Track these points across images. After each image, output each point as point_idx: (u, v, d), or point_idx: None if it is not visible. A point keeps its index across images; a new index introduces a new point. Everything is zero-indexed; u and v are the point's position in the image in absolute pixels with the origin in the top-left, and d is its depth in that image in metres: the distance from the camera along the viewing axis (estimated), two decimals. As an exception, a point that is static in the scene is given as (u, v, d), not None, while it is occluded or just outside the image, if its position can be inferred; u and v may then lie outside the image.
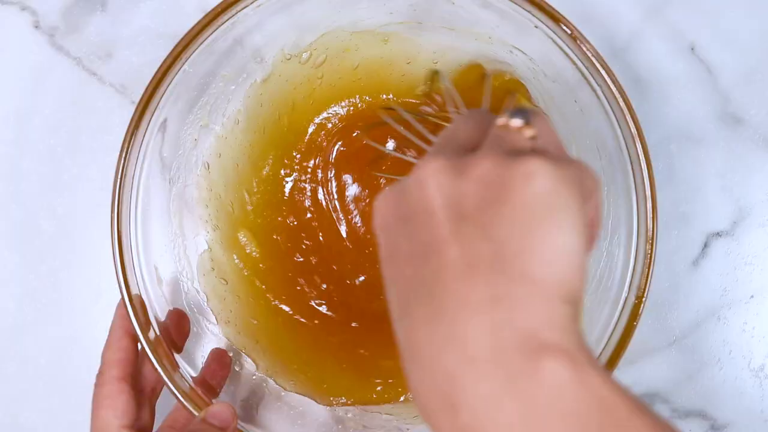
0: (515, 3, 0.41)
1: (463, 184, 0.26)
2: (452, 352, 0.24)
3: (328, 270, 0.50)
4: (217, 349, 0.47)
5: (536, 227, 0.25)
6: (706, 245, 0.51)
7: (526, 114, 0.28)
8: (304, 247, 0.50)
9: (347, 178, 0.50)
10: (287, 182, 0.50)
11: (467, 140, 0.29)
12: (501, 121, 0.28)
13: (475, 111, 0.31)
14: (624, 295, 0.42)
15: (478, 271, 0.25)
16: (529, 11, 0.41)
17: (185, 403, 0.41)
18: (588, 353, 0.24)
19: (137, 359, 0.43)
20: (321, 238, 0.50)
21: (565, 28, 0.41)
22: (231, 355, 0.47)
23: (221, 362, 0.46)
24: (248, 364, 0.48)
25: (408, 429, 0.46)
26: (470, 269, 0.25)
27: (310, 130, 0.50)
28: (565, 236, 0.25)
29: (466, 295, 0.24)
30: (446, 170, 0.26)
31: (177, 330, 0.45)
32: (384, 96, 0.49)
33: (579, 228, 0.25)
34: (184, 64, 0.42)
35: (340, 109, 0.50)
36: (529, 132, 0.28)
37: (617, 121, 0.41)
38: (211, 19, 0.42)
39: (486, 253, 0.25)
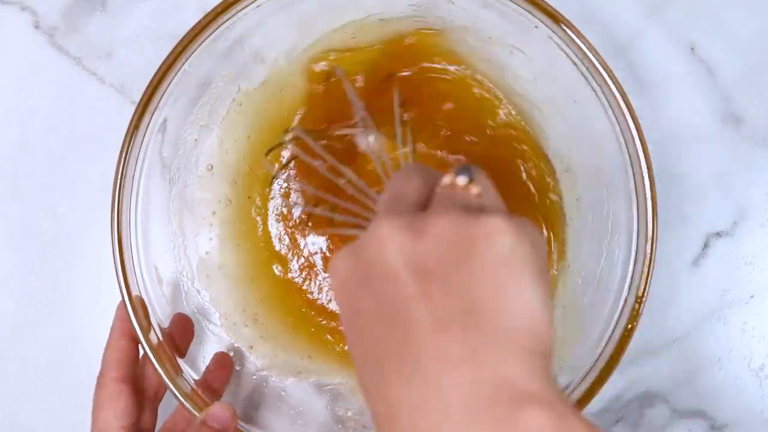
0: (515, 3, 0.41)
1: (424, 243, 0.26)
2: (433, 408, 0.24)
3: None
4: (220, 353, 0.47)
5: (504, 285, 0.25)
6: (706, 245, 0.51)
7: (470, 171, 0.29)
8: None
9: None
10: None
11: (415, 198, 0.29)
12: (447, 179, 0.29)
13: (414, 166, 0.32)
14: (624, 295, 0.42)
15: (451, 328, 0.25)
16: (529, 11, 0.41)
17: (186, 404, 0.41)
18: (567, 401, 0.24)
19: (137, 360, 0.43)
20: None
21: (565, 28, 0.41)
22: (232, 354, 0.47)
23: (223, 363, 0.46)
24: (249, 364, 0.48)
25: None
26: (442, 326, 0.25)
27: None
28: (533, 292, 0.25)
29: (441, 351, 0.25)
30: (404, 230, 0.26)
31: (181, 334, 0.45)
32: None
33: (543, 282, 0.26)
34: (184, 64, 0.42)
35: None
36: (474, 189, 0.28)
37: (617, 121, 0.41)
38: (211, 19, 0.42)
39: (456, 309, 0.25)
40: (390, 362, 0.26)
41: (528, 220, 0.27)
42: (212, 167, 0.48)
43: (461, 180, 0.28)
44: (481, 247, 0.25)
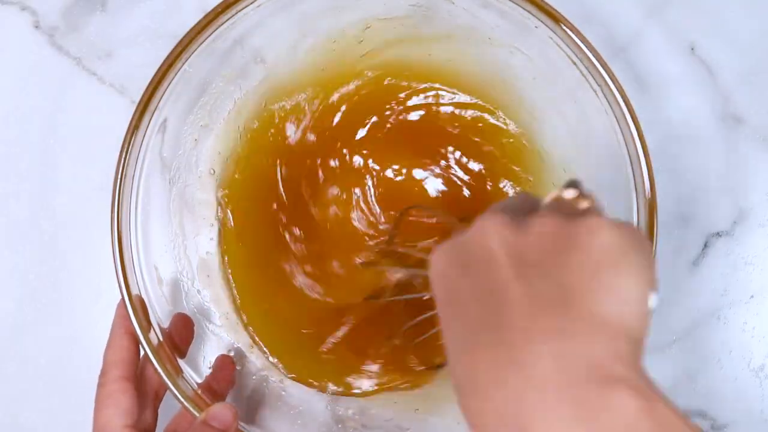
0: (515, 3, 0.41)
1: (526, 237, 0.26)
2: (518, 375, 0.24)
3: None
4: (221, 356, 0.46)
5: (603, 272, 0.25)
6: (706, 245, 0.51)
7: (579, 185, 0.29)
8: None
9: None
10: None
11: (522, 207, 0.30)
12: (554, 194, 0.29)
13: (524, 193, 0.32)
14: (624, 295, 0.41)
15: (544, 308, 0.25)
16: (529, 11, 0.41)
17: (186, 405, 0.41)
18: (656, 387, 0.24)
19: (139, 358, 0.43)
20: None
21: (565, 28, 0.41)
22: (232, 354, 0.47)
23: (224, 365, 0.46)
24: (249, 364, 0.48)
25: (408, 429, 0.46)
26: (535, 306, 0.25)
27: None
28: (631, 285, 0.25)
29: (531, 327, 0.25)
30: (508, 225, 0.27)
31: (181, 334, 0.45)
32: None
33: (645, 278, 0.25)
34: (184, 64, 0.42)
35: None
36: (584, 203, 0.28)
37: (617, 121, 0.41)
38: (211, 19, 0.42)
39: (551, 293, 0.25)
40: (480, 333, 0.26)
41: (635, 228, 0.27)
42: (213, 167, 0.48)
43: (569, 194, 0.29)
44: (582, 241, 0.26)
